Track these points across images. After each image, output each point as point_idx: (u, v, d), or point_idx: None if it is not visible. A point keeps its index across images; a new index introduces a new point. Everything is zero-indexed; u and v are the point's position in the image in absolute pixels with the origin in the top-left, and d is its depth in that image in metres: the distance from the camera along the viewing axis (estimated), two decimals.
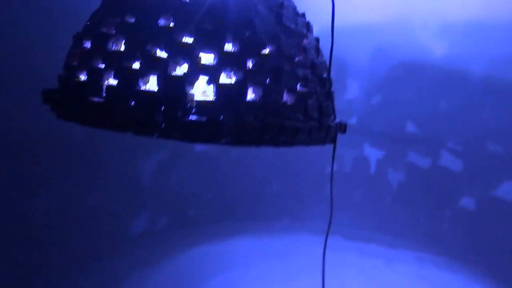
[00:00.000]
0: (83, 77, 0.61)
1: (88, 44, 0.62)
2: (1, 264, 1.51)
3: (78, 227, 1.47)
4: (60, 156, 1.46)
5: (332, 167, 0.97)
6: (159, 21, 0.58)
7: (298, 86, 0.67)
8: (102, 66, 0.59)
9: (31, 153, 1.49)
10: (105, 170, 1.46)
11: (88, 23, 0.67)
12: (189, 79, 0.56)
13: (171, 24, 0.59)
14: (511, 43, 1.18)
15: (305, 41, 0.68)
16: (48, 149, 1.46)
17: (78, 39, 0.65)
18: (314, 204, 1.32)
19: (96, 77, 0.59)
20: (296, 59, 0.66)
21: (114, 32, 0.61)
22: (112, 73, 0.58)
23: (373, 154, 1.24)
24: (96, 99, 0.59)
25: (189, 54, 0.56)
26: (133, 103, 0.57)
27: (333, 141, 0.75)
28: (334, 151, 0.83)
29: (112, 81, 0.59)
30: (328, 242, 1.13)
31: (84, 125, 0.64)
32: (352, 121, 1.26)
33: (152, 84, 0.57)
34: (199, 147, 1.42)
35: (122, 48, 0.59)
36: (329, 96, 0.73)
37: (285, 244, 1.36)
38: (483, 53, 1.15)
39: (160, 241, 1.46)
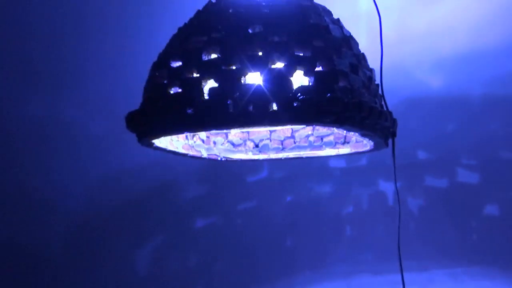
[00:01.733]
0: (177, 90, 0.64)
1: (176, 64, 0.65)
2: None
3: None
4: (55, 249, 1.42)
5: (395, 172, 1.03)
6: (249, 30, 0.63)
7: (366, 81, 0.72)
8: (198, 75, 0.63)
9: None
10: (99, 264, 1.41)
11: (166, 49, 0.70)
12: (289, 71, 0.61)
13: (260, 29, 0.63)
14: (499, 65, 1.21)
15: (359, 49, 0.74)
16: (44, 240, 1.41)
17: (160, 63, 0.68)
18: (332, 249, 1.31)
19: (192, 86, 0.62)
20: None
21: (205, 45, 0.64)
22: (209, 79, 0.62)
23: (389, 187, 1.25)
24: (193, 107, 0.63)
25: (284, 52, 0.61)
26: (237, 96, 0.60)
27: (394, 134, 0.77)
28: (393, 149, 0.84)
29: (211, 85, 0.62)
30: (359, 282, 1.26)
31: (183, 132, 0.70)
32: (362, 162, 1.27)
33: (253, 80, 0.61)
34: (199, 223, 1.36)
35: (215, 56, 0.63)
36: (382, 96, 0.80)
37: None
38: (476, 77, 1.20)
39: None
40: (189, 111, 0.61)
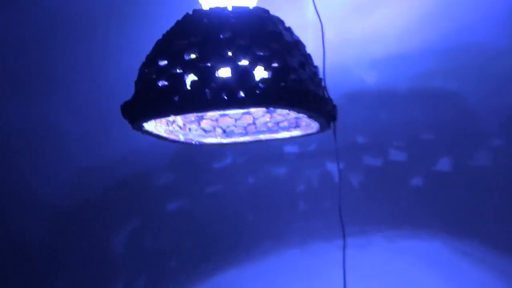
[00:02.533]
0: (164, 83, 0.74)
1: (163, 62, 0.75)
2: None
3: None
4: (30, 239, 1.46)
5: (337, 153, 1.13)
6: (220, 35, 0.73)
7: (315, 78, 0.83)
8: (181, 71, 0.73)
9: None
10: (76, 251, 1.45)
11: (153, 51, 0.80)
12: (252, 67, 0.71)
13: (229, 35, 0.73)
14: (421, 64, 1.27)
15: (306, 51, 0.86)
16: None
17: (149, 62, 0.79)
18: (288, 222, 1.36)
19: (178, 79, 0.72)
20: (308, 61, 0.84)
21: (186, 48, 0.74)
22: (190, 74, 0.72)
23: (334, 167, 1.30)
24: (178, 95, 0.72)
25: (248, 52, 0.71)
26: (213, 86, 0.70)
27: (335, 115, 0.87)
28: (335, 131, 0.97)
29: (192, 78, 0.71)
30: (311, 248, 1.33)
31: (174, 114, 0.79)
32: (312, 147, 1.33)
33: (225, 74, 0.71)
34: (171, 206, 1.41)
35: (194, 56, 0.73)
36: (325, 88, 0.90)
37: (269, 266, 1.37)
38: (402, 73, 1.29)
39: None
40: (175, 98, 0.70)
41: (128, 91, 1.07)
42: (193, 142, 1.00)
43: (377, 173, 1.31)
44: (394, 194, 1.30)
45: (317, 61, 0.92)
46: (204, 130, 0.98)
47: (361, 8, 1.31)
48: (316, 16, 1.15)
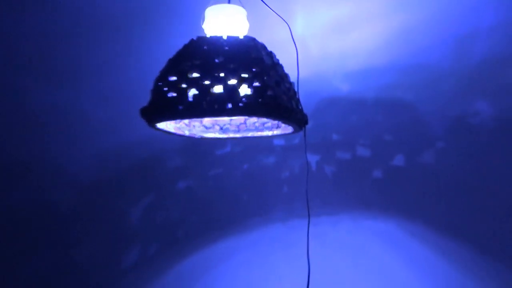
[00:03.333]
0: (173, 94, 0.84)
1: (172, 78, 0.84)
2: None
3: (77, 266, 1.53)
4: (64, 209, 1.52)
5: (306, 152, 1.29)
6: (215, 60, 0.83)
7: (290, 93, 0.92)
8: (184, 85, 0.82)
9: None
10: (103, 218, 1.52)
11: (164, 70, 0.90)
12: (238, 85, 0.81)
13: (222, 60, 0.83)
14: (385, 77, 1.38)
15: (284, 71, 0.94)
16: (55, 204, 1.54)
17: (161, 78, 0.88)
18: (273, 202, 1.46)
19: (183, 92, 0.82)
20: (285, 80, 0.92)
21: (189, 68, 0.84)
22: (192, 89, 0.81)
23: (312, 159, 1.43)
24: (183, 105, 0.81)
25: (235, 74, 0.82)
26: (208, 99, 0.80)
27: (305, 121, 0.96)
28: (304, 133, 1.07)
29: (194, 91, 0.81)
30: (292, 223, 1.44)
31: (180, 118, 0.89)
32: (295, 142, 1.44)
33: (218, 90, 0.81)
34: (180, 184, 1.49)
35: (195, 75, 0.83)
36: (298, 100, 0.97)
37: (258, 236, 1.46)
38: (370, 84, 1.40)
39: (152, 264, 1.51)
40: (180, 107, 0.81)
41: (145, 86, 1.25)
42: (196, 136, 1.10)
43: (346, 165, 1.42)
44: (359, 183, 1.41)
45: (302, 72, 1.05)
46: (205, 127, 1.07)
47: (339, 29, 1.40)
48: (302, 33, 1.29)
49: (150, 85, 1.36)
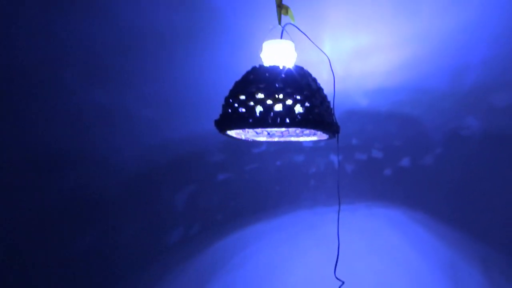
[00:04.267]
0: (243, 109, 0.93)
1: (242, 97, 0.93)
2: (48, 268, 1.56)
3: (123, 244, 1.54)
4: (119, 194, 1.54)
5: (338, 154, 1.33)
6: (276, 84, 0.91)
7: (329, 110, 1.00)
8: (252, 103, 0.92)
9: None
10: (150, 203, 1.53)
11: (234, 90, 0.98)
12: (293, 105, 0.90)
13: (281, 85, 0.92)
14: (398, 96, 1.42)
15: (324, 93, 1.02)
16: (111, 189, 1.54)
17: (232, 96, 0.96)
18: (301, 193, 1.49)
19: (251, 109, 0.92)
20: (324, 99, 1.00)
21: (255, 90, 0.92)
22: (258, 106, 0.91)
23: (334, 158, 1.47)
24: (252, 118, 0.91)
25: (291, 96, 0.91)
26: (272, 115, 0.89)
27: (338, 131, 1.04)
28: (337, 139, 1.12)
29: (260, 108, 0.91)
30: (317, 210, 1.47)
31: (250, 128, 0.99)
32: (322, 144, 1.48)
33: (278, 108, 0.90)
34: (220, 176, 1.51)
35: (261, 96, 0.92)
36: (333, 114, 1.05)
37: (288, 221, 1.50)
38: (385, 101, 1.43)
39: (193, 242, 1.52)
40: (250, 120, 0.91)
41: (186, 93, 1.48)
42: (249, 140, 1.18)
43: (363, 164, 1.47)
44: (373, 179, 1.46)
45: (329, 91, 1.10)
46: (256, 132, 1.16)
47: (360, 54, 1.43)
48: (335, 55, 1.36)
49: (190, 92, 1.47)
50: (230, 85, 1.02)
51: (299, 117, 0.92)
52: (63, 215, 1.55)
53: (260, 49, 1.06)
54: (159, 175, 1.53)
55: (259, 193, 1.51)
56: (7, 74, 1.54)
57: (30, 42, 1.53)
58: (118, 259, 1.55)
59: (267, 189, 1.50)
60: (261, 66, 1.00)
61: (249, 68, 1.02)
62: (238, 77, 1.03)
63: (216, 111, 1.05)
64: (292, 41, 1.06)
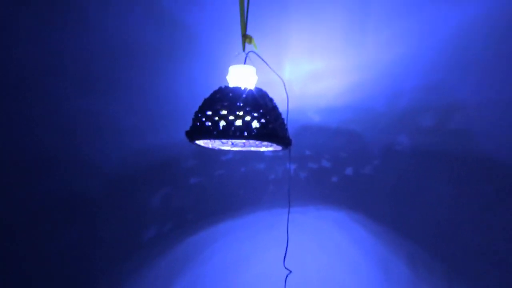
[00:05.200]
0: (209, 123, 0.99)
1: (208, 112, 0.99)
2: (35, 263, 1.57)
3: (101, 241, 1.55)
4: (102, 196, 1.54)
5: (290, 163, 1.43)
6: (237, 103, 0.98)
7: (282, 125, 1.06)
8: (216, 118, 0.98)
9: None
10: (128, 202, 1.54)
11: (202, 106, 1.02)
12: (251, 121, 0.96)
13: (242, 103, 0.98)
14: (344, 115, 1.43)
15: (279, 111, 1.08)
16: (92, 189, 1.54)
17: (201, 111, 1.01)
18: (262, 196, 1.51)
19: (216, 123, 0.98)
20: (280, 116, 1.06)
21: (220, 107, 0.99)
22: (222, 121, 0.97)
23: (291, 167, 1.48)
24: (216, 131, 0.97)
25: (250, 113, 0.97)
26: (232, 128, 0.96)
27: (290, 144, 1.09)
28: (289, 151, 1.22)
29: (223, 123, 0.97)
30: (274, 211, 1.48)
31: (207, 138, 1.00)
32: (280, 154, 1.49)
33: (238, 123, 0.96)
34: (192, 180, 1.50)
35: (224, 112, 0.98)
36: (286, 129, 1.10)
37: (250, 220, 1.52)
38: (333, 119, 1.44)
39: (166, 239, 1.53)
40: (215, 132, 0.98)
41: (166, 103, 1.46)
42: (216, 148, 1.23)
43: (314, 172, 1.48)
44: (322, 185, 1.48)
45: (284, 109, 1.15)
46: (222, 142, 1.20)
47: (315, 76, 1.46)
48: (287, 79, 1.40)
49: (169, 103, 1.48)
50: (202, 98, 1.08)
51: (255, 131, 0.99)
52: (48, 212, 1.55)
53: (226, 71, 1.10)
54: (137, 177, 1.52)
55: (226, 196, 1.52)
56: (3, 81, 1.55)
57: (25, 52, 1.54)
58: (97, 254, 1.55)
59: (233, 192, 1.51)
60: (226, 87, 1.06)
61: (216, 86, 1.08)
62: (208, 92, 1.08)
63: (190, 121, 1.09)
64: (254, 66, 1.11)
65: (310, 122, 1.49)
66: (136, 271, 1.53)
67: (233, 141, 1.20)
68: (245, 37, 1.13)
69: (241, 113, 0.99)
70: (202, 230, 1.52)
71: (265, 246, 1.50)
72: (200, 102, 1.06)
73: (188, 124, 1.08)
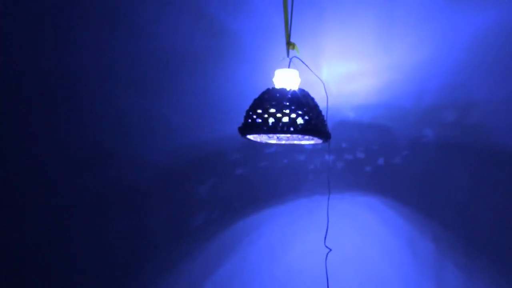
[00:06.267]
0: (259, 120, 1.06)
1: (259, 111, 1.06)
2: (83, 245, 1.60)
3: (151, 228, 1.58)
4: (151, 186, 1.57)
5: (329, 155, 1.47)
6: (284, 102, 1.05)
7: (323, 121, 1.11)
8: (266, 116, 1.04)
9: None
10: (174, 193, 1.58)
11: (253, 105, 1.09)
12: (296, 117, 1.03)
13: (288, 103, 1.05)
14: (375, 112, 1.47)
15: (319, 109, 1.14)
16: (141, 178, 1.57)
17: (252, 110, 1.08)
18: (303, 185, 1.55)
19: (266, 120, 1.05)
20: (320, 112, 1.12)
21: (269, 106, 1.05)
22: (271, 118, 1.04)
23: (330, 158, 1.53)
24: (266, 127, 1.04)
25: (296, 111, 1.04)
26: (280, 124, 1.03)
27: (329, 138, 1.15)
28: (329, 144, 1.30)
29: (272, 120, 1.04)
30: (314, 198, 1.53)
31: (258, 133, 1.07)
32: (319, 146, 1.53)
33: (285, 120, 1.03)
34: (238, 171, 1.55)
35: (273, 110, 1.05)
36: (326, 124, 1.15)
37: (291, 207, 1.56)
38: (366, 115, 1.48)
39: (214, 225, 1.58)
40: (264, 128, 1.05)
41: (213, 100, 1.48)
42: (263, 142, 1.28)
43: (349, 162, 1.53)
44: (356, 174, 1.53)
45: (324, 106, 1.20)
46: (268, 137, 1.26)
47: (349, 77, 1.50)
48: (325, 79, 1.40)
49: (215, 102, 1.51)
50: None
51: (300, 127, 1.06)
52: (103, 203, 1.60)
53: (272, 74, 1.15)
54: (186, 170, 1.56)
55: (270, 184, 1.55)
56: (65, 84, 1.60)
57: (84, 58, 1.59)
58: (149, 240, 1.58)
59: (276, 181, 1.55)
60: (273, 88, 1.13)
61: (262, 87, 1.14)
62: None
63: (235, 119, 1.15)
64: (296, 68, 1.16)
65: (345, 118, 1.53)
66: (187, 255, 1.56)
67: (278, 135, 1.24)
68: (289, 44, 1.19)
69: (287, 111, 1.06)
70: (247, 216, 1.55)
71: (306, 229, 1.54)
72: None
73: (234, 121, 1.17)
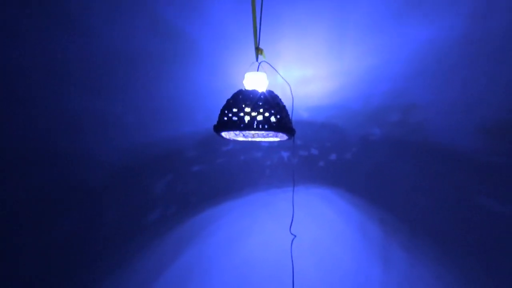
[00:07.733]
0: (235, 118, 1.11)
1: (234, 109, 1.11)
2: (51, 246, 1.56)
3: (107, 223, 1.56)
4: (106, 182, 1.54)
5: (293, 149, 1.52)
6: (258, 102, 1.11)
7: (290, 120, 1.17)
8: (241, 114, 1.10)
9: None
10: (131, 189, 1.56)
11: (228, 105, 1.13)
12: (268, 116, 1.10)
13: (261, 102, 1.11)
14: (333, 112, 1.50)
15: (286, 109, 1.19)
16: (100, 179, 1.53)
17: (227, 109, 1.12)
18: (259, 179, 1.59)
19: (241, 118, 1.10)
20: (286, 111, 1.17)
21: (243, 106, 1.11)
22: (246, 116, 1.10)
23: (284, 154, 1.58)
24: (243, 124, 1.09)
25: (266, 111, 1.10)
26: (255, 122, 1.09)
27: (294, 135, 1.21)
28: (293, 140, 1.33)
29: (247, 118, 1.10)
30: (271, 192, 1.57)
31: (235, 130, 1.10)
32: (274, 143, 1.55)
33: (259, 118, 1.11)
34: (195, 168, 1.55)
35: (248, 109, 1.10)
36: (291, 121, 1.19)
37: (248, 200, 1.59)
38: (321, 114, 1.51)
39: (170, 220, 1.56)
40: (242, 125, 1.10)
41: (168, 99, 1.43)
42: (231, 139, 1.31)
43: (304, 158, 1.58)
44: (310, 168, 1.58)
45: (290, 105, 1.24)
46: (235, 134, 1.30)
47: (305, 80, 1.53)
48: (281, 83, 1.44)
49: (172, 102, 1.46)
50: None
51: (274, 124, 1.13)
52: (53, 200, 1.56)
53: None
54: (140, 167, 1.55)
55: (227, 180, 1.57)
56: (17, 84, 1.54)
57: (35, 57, 1.53)
58: (102, 236, 1.56)
59: (233, 177, 1.58)
60: (246, 90, 1.17)
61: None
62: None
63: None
64: (265, 72, 1.22)
65: (300, 118, 1.57)
66: (144, 248, 1.55)
67: (243, 132, 1.28)
68: (258, 50, 1.25)
69: (261, 110, 1.12)
70: (205, 210, 1.56)
71: (263, 220, 1.58)
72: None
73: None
